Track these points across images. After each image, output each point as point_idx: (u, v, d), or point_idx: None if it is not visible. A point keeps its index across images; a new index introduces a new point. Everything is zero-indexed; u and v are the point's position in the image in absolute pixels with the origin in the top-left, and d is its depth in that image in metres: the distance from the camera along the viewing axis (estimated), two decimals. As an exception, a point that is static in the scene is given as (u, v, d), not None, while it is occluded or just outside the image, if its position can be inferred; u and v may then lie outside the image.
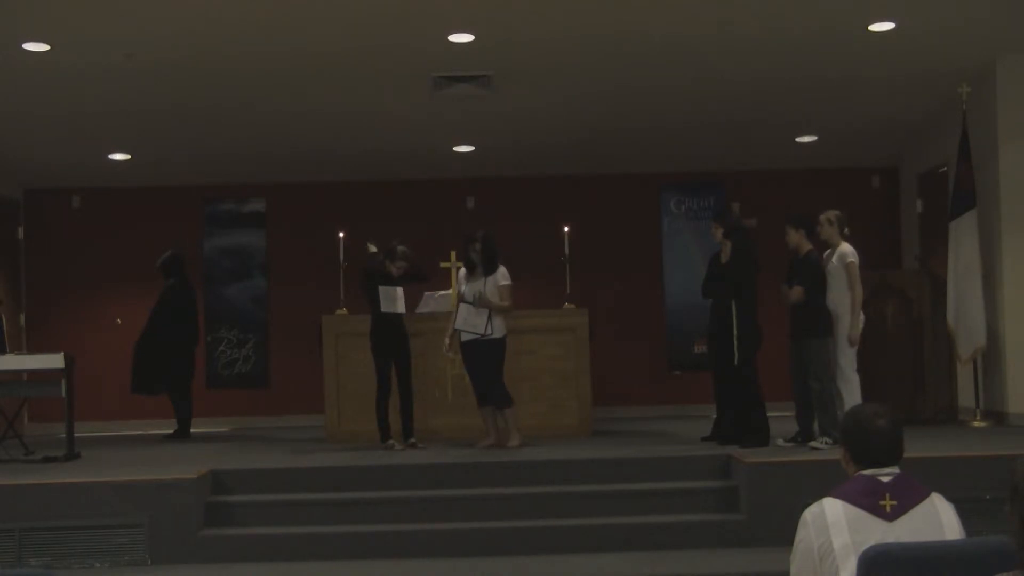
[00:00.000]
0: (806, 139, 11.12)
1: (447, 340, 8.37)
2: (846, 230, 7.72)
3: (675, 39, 8.29)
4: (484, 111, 9.80)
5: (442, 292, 9.37)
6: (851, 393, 7.48)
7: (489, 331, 8.09)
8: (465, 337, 8.20)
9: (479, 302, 8.11)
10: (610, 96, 9.63)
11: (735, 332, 7.57)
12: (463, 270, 8.42)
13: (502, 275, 8.31)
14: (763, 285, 7.80)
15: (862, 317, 7.61)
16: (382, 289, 8.17)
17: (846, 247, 7.59)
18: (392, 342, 8.22)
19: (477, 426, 8.49)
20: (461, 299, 8.26)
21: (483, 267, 8.23)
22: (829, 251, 7.72)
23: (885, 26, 8.05)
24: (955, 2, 7.79)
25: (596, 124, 10.39)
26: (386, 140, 10.64)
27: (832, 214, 7.71)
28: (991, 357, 9.13)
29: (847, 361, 7.51)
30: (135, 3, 7.33)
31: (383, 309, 8.17)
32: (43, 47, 7.91)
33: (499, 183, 11.81)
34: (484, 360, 8.16)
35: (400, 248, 8.34)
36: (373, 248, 8.72)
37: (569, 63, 8.75)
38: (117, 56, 8.16)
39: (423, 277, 8.65)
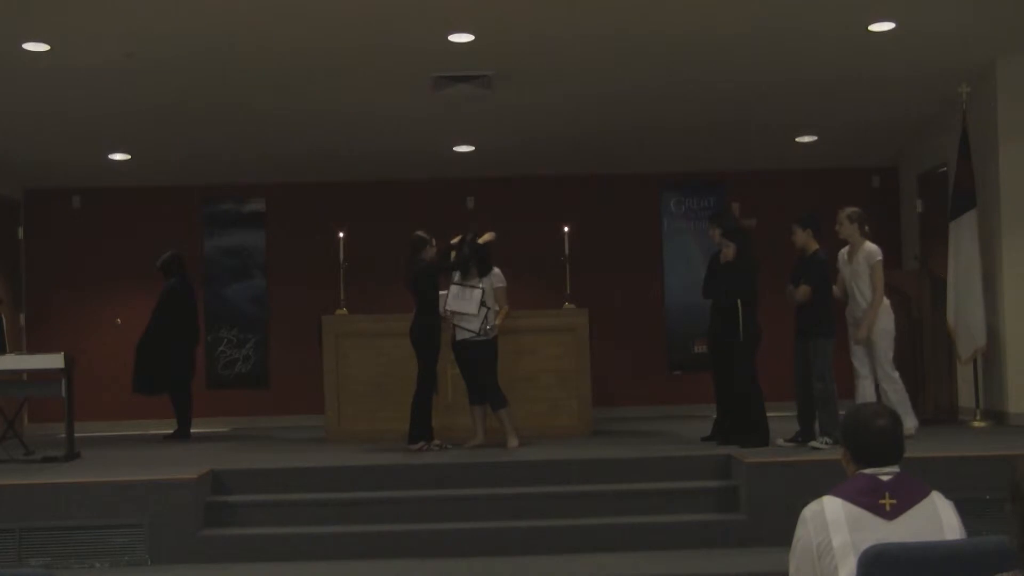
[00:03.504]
0: (806, 139, 11.11)
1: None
2: (866, 227, 7.70)
3: (675, 39, 8.29)
4: (484, 111, 9.80)
5: (441, 291, 9.36)
6: (896, 392, 7.57)
7: (487, 328, 8.11)
8: (459, 335, 8.20)
9: (494, 329, 8.18)
10: (610, 96, 9.63)
11: (736, 332, 7.58)
12: (456, 273, 8.34)
13: (498, 277, 8.34)
14: (763, 285, 7.80)
15: (891, 315, 7.65)
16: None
17: (871, 246, 7.60)
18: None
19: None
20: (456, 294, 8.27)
21: (477, 267, 8.23)
22: (848, 248, 7.70)
23: (885, 26, 8.05)
24: (955, 2, 7.79)
25: (596, 124, 10.39)
26: (386, 140, 10.64)
27: (851, 211, 7.70)
28: (991, 357, 9.13)
29: (886, 360, 7.58)
30: (135, 3, 7.32)
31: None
32: (43, 47, 7.91)
33: (499, 183, 11.80)
34: (477, 360, 8.16)
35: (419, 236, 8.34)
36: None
37: (569, 63, 8.75)
38: (117, 56, 8.15)
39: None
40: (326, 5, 7.46)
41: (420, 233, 8.33)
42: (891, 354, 7.64)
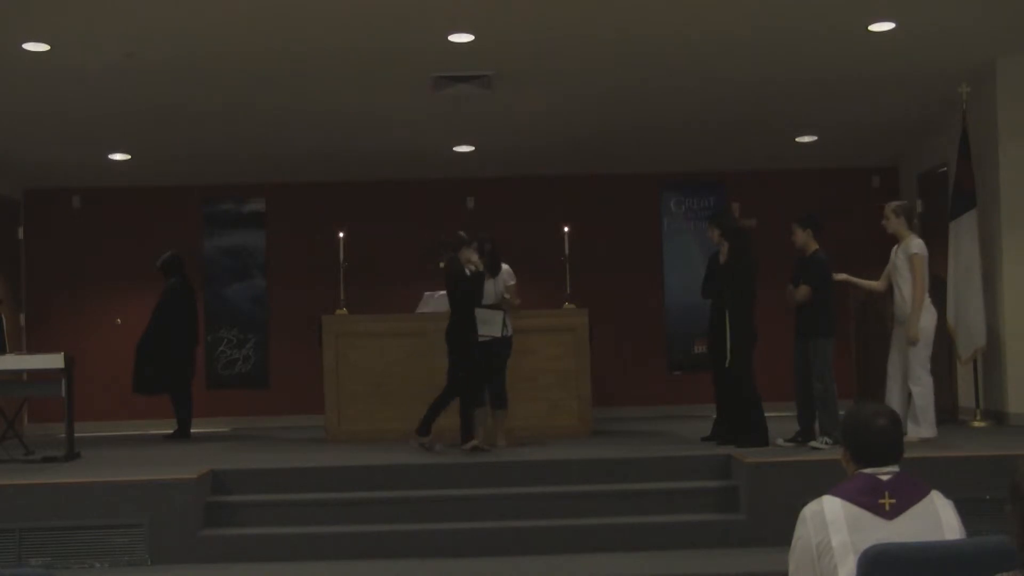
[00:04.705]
0: (806, 139, 11.11)
1: None
2: (915, 221, 7.58)
3: (675, 39, 8.29)
4: (484, 111, 9.80)
5: (441, 292, 9.36)
6: (922, 396, 7.38)
7: (507, 331, 8.18)
8: (480, 338, 8.22)
9: (504, 304, 8.24)
10: (610, 96, 9.63)
11: (729, 332, 7.58)
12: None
13: (508, 274, 8.41)
14: (763, 285, 7.80)
15: (933, 313, 7.46)
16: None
17: (913, 240, 7.47)
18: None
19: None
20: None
21: (489, 269, 8.27)
22: (897, 246, 7.59)
23: (885, 26, 8.04)
24: (955, 2, 7.78)
25: (596, 124, 10.39)
26: (386, 140, 10.64)
27: (897, 204, 7.60)
28: (991, 357, 9.13)
29: (919, 361, 7.37)
30: (135, 3, 7.32)
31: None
32: (43, 47, 7.90)
33: (499, 183, 11.80)
34: (496, 360, 8.20)
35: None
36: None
37: (569, 63, 8.74)
38: (117, 56, 8.15)
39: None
40: (326, 5, 7.45)
41: (460, 233, 8.30)
42: (926, 354, 7.40)
